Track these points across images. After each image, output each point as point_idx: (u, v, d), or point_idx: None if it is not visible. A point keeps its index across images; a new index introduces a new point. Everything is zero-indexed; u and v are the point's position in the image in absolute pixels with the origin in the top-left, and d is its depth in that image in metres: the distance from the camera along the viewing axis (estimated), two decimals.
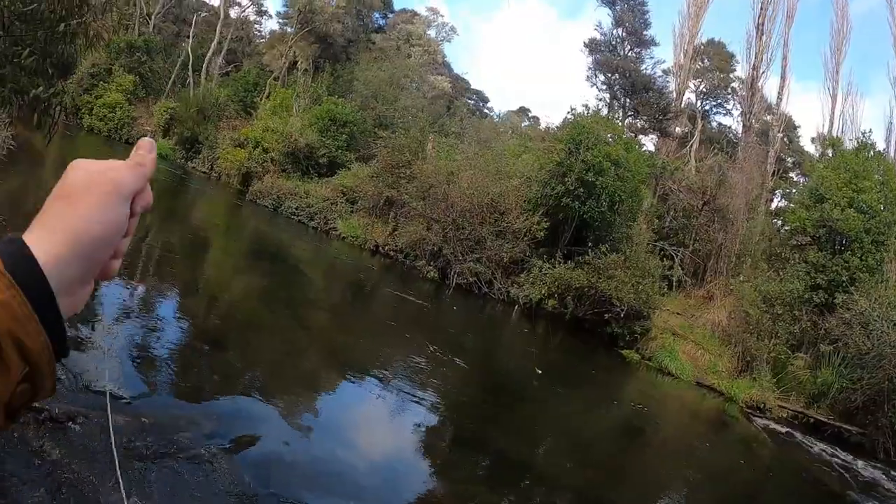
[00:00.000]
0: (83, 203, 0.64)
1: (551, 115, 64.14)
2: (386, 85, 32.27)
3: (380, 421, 9.21)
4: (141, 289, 10.98)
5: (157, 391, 7.15)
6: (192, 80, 38.91)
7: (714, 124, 39.74)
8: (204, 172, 32.13)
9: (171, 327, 9.60)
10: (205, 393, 7.67)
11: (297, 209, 26.30)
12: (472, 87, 51.69)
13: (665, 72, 37.35)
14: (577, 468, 10.19)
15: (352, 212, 25.38)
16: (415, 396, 10.14)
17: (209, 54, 40.49)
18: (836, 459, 15.40)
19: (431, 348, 13.88)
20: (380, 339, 13.54)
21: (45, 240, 0.61)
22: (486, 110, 46.53)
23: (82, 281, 0.66)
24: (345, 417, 8.96)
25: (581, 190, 20.70)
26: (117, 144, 34.42)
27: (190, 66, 39.63)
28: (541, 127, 35.30)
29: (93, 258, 0.65)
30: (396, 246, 22.71)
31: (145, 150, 0.71)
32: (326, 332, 13.05)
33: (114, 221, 0.66)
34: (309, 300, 15.39)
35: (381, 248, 23.17)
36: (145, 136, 0.74)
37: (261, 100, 37.15)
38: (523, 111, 51.56)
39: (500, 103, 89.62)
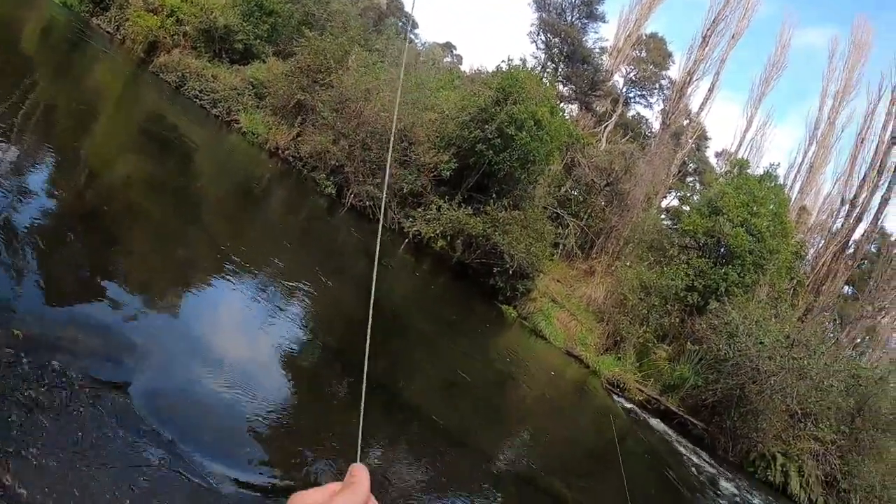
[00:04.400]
0: None
1: (476, 57, 62.83)
2: None
3: (250, 331, 8.69)
4: (13, 150, 9.48)
5: (23, 283, 6.08)
6: None
7: (632, 112, 40.72)
8: (108, 32, 28.78)
9: (42, 199, 8.32)
10: (73, 287, 6.70)
11: (200, 92, 24.20)
12: (405, 9, 49.51)
13: (602, 49, 37.54)
14: (439, 405, 10.15)
15: (258, 107, 23.74)
16: (288, 312, 9.63)
17: None
18: (682, 449, 16.55)
19: (314, 265, 13.27)
20: (262, 245, 12.67)
21: None
22: (411, 36, 44.82)
23: None
24: (217, 327, 8.25)
25: (498, 141, 20.38)
26: None
27: None
28: (462, 67, 34.46)
29: None
30: (297, 152, 21.49)
31: (358, 473, 0.79)
32: (208, 228, 12.02)
33: None
34: (195, 192, 14.16)
35: (280, 152, 21.85)
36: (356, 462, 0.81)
37: None
38: (448, 46, 50.43)
39: (427, 33, 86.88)
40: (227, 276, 9.47)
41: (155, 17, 27.64)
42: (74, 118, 14.27)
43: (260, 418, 6.38)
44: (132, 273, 7.85)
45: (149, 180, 12.91)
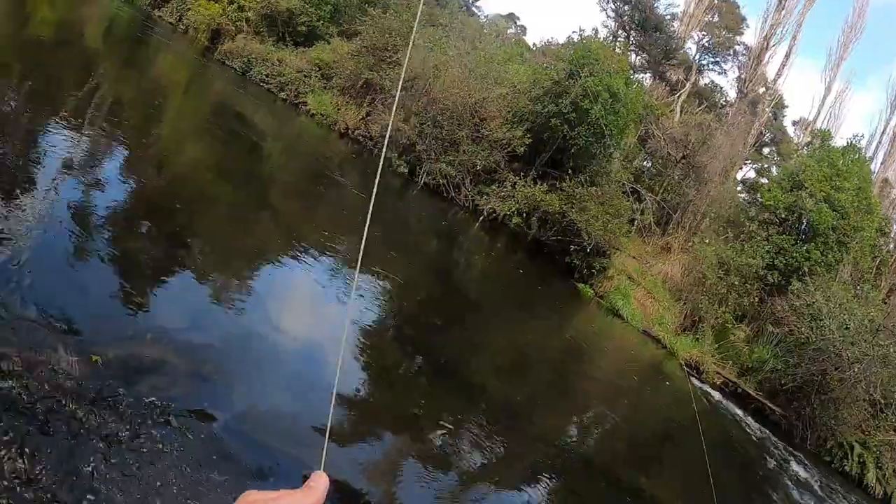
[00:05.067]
0: None
1: (541, 28, 60.82)
2: None
3: (325, 314, 8.62)
4: (87, 143, 9.50)
5: (96, 299, 5.89)
6: None
7: (706, 80, 38.88)
8: (171, 23, 29.27)
9: (115, 191, 8.35)
10: (147, 296, 6.48)
11: (267, 76, 24.36)
12: None
13: (673, 16, 35.87)
14: (509, 385, 9.90)
15: (325, 88, 23.64)
16: (363, 293, 9.38)
17: None
18: (759, 434, 15.76)
19: (389, 244, 13.03)
20: (335, 228, 12.49)
21: None
22: (474, 8, 43.76)
23: None
24: (293, 327, 8.00)
25: (573, 115, 19.68)
26: None
27: None
28: (526, 38, 33.34)
29: None
30: (368, 132, 21.34)
31: (317, 479, 0.78)
32: (282, 215, 11.97)
33: None
34: (266, 177, 14.12)
35: (350, 132, 21.75)
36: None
37: None
38: (512, 17, 49.20)
39: (489, 4, 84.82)
40: (302, 265, 9.36)
41: (216, 4, 27.87)
42: (145, 107, 14.36)
43: (342, 425, 6.05)
44: (206, 275, 7.63)
45: (219, 169, 12.91)
